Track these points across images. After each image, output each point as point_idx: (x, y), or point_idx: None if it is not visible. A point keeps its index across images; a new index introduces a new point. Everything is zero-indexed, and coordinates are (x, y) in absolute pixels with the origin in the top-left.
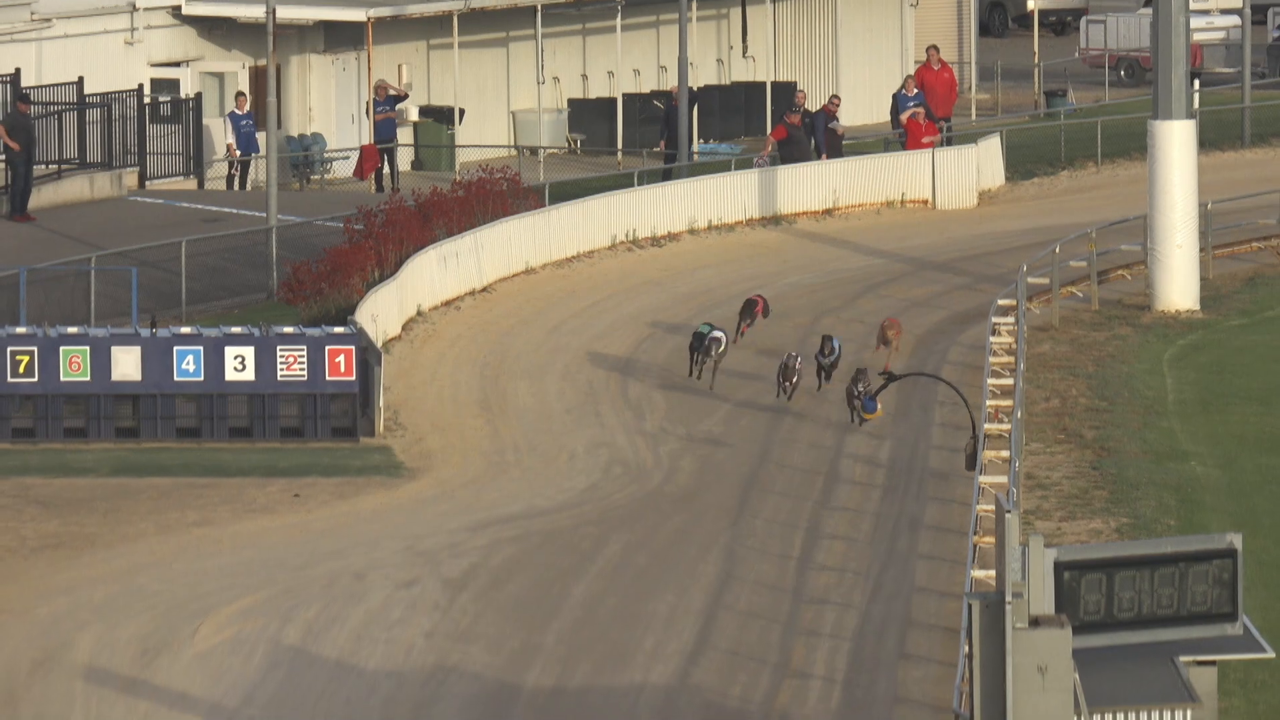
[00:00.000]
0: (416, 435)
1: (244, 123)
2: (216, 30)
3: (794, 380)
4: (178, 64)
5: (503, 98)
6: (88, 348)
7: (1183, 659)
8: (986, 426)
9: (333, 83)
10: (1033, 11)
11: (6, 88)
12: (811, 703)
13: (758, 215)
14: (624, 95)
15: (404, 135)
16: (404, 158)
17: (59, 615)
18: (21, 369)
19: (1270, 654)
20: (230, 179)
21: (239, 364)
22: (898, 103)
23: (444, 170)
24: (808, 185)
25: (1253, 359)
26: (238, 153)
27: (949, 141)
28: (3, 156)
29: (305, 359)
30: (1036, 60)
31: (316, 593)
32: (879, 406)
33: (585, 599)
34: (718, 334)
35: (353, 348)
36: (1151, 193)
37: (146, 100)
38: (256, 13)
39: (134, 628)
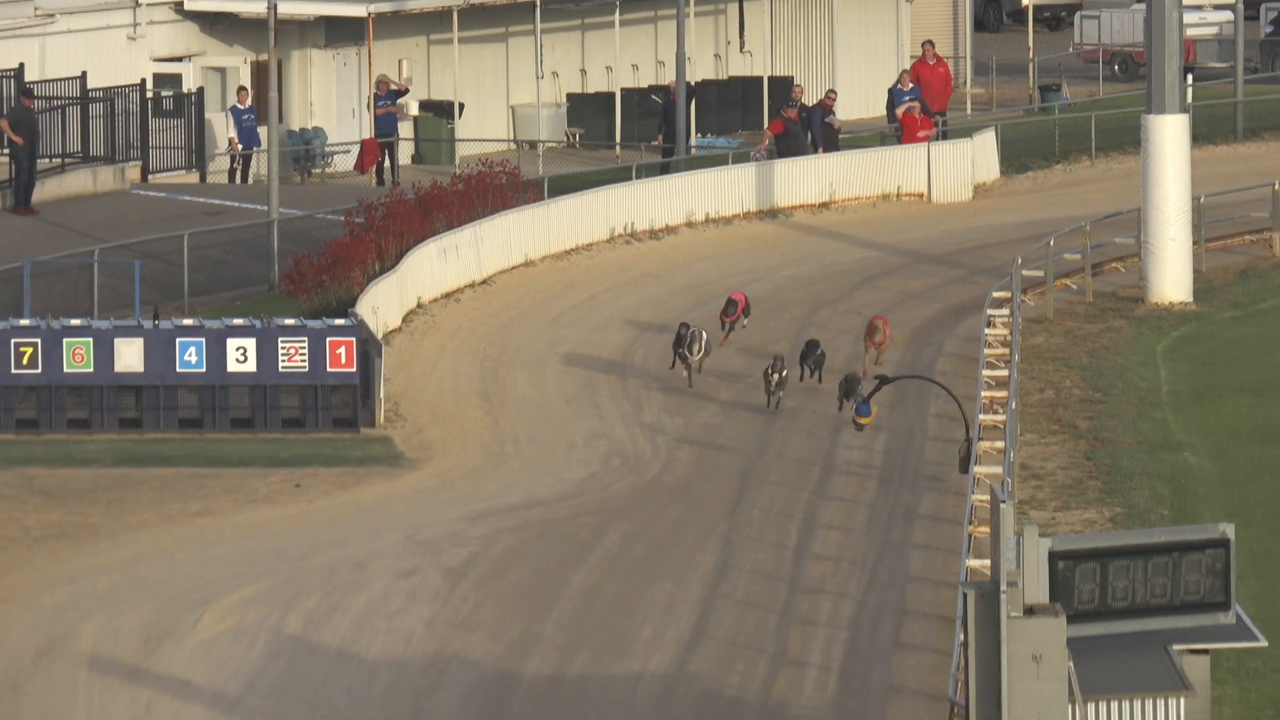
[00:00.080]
0: (417, 426)
1: (246, 117)
2: (218, 25)
3: (783, 374)
4: (180, 59)
5: (502, 92)
6: (91, 339)
7: (1176, 648)
8: (982, 418)
9: (334, 77)
10: (1027, 6)
11: (10, 82)
12: (808, 691)
13: (755, 208)
14: (622, 90)
15: (404, 129)
16: (404, 151)
17: (62, 604)
18: (25, 360)
19: (1263, 643)
20: (232, 173)
21: (241, 355)
22: (893, 97)
23: (444, 164)
24: (804, 179)
25: (1245, 351)
26: (239, 147)
27: (944, 135)
28: (7, 150)
29: (306, 350)
30: (1031, 55)
31: (317, 582)
32: (873, 410)
33: (584, 588)
34: (699, 332)
35: (353, 339)
36: (1145, 186)
37: (149, 95)
38: (258, 8)
39: (137, 617)
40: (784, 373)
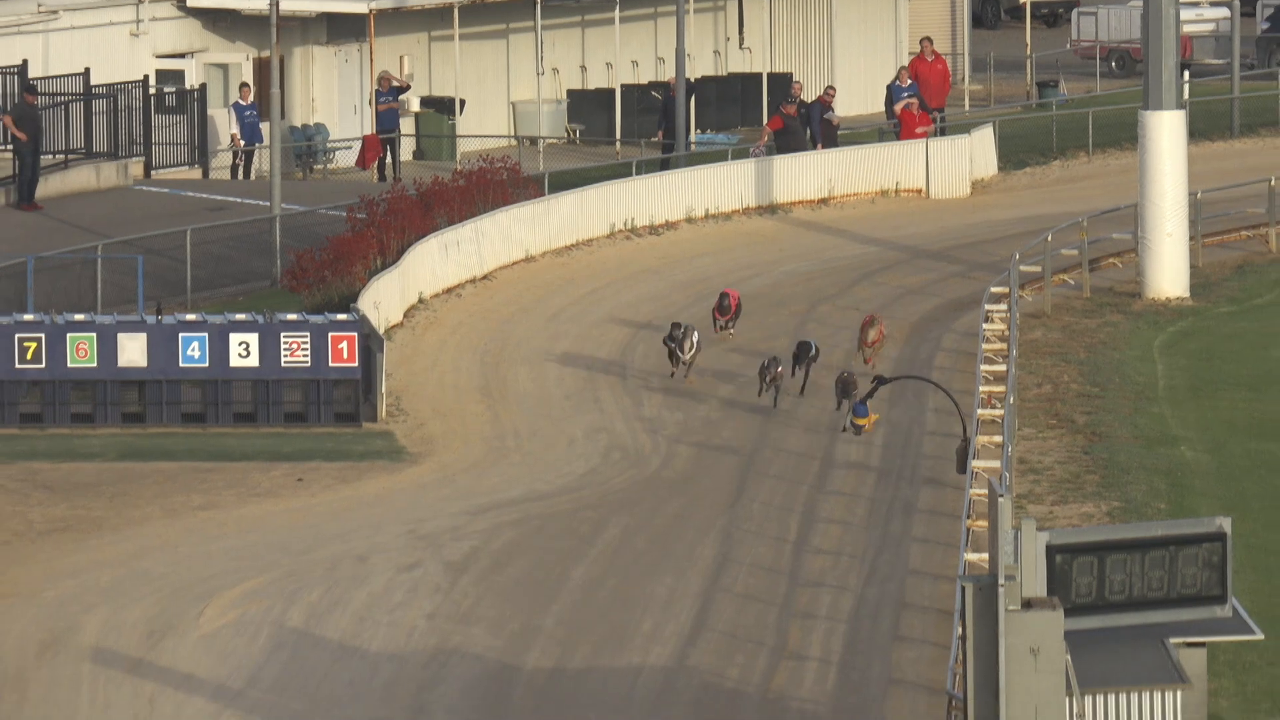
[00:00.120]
0: (418, 420)
1: (248, 113)
2: (221, 22)
3: (777, 372)
4: (183, 55)
5: (503, 88)
6: (94, 334)
7: (1173, 641)
8: (980, 412)
9: (335, 74)
10: (1025, 3)
11: (14, 79)
12: (807, 684)
13: (754, 204)
14: (622, 86)
15: (405, 125)
16: (405, 147)
17: (66, 598)
18: (29, 355)
19: (1259, 636)
20: (234, 168)
21: (243, 350)
22: (892, 93)
23: (445, 160)
24: (804, 175)
25: (1242, 346)
26: (242, 143)
27: (942, 132)
28: (10, 146)
29: (309, 345)
30: (1029, 52)
31: (320, 575)
32: (871, 415)
33: (584, 582)
34: (690, 330)
35: (355, 334)
36: (1142, 182)
37: (152, 91)
38: (260, 5)
39: (140, 610)
40: (779, 370)
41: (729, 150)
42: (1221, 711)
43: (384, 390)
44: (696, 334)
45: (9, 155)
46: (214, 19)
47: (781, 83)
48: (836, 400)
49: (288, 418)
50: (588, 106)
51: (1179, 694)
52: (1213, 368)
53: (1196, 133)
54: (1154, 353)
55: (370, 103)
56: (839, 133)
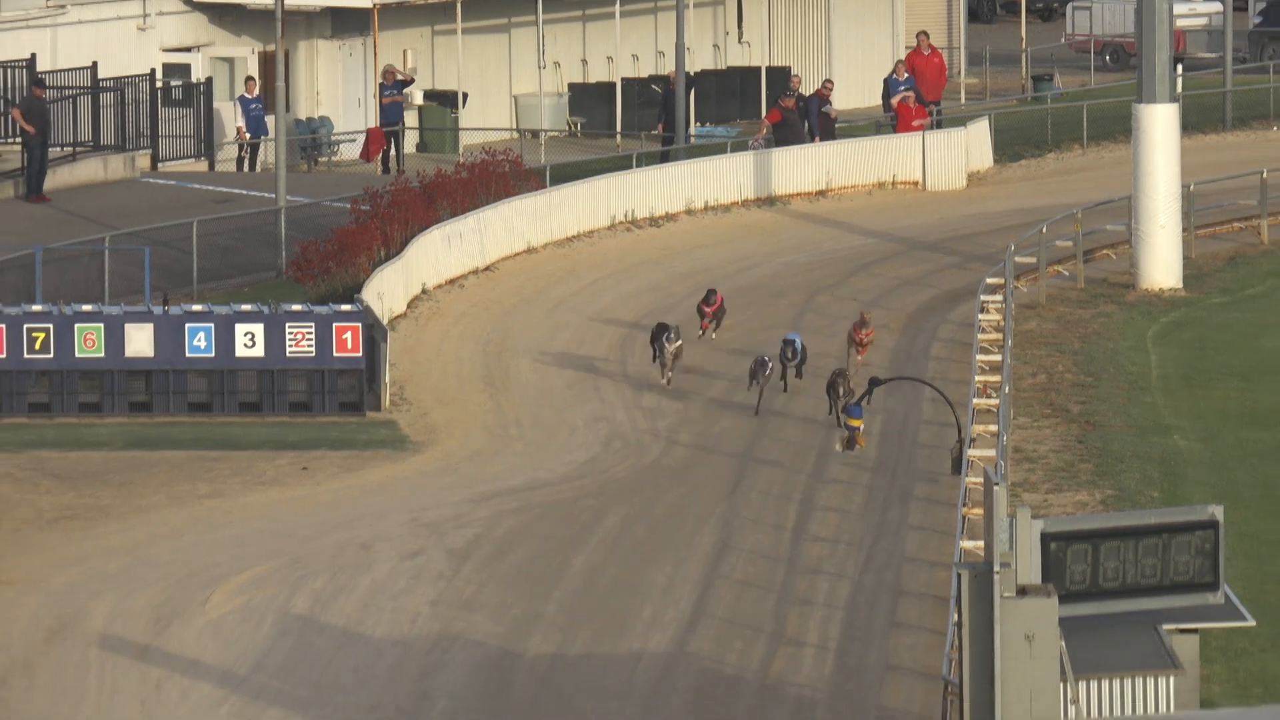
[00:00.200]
0: (421, 410)
1: (253, 106)
2: (227, 16)
3: (767, 375)
4: (189, 49)
5: (505, 82)
6: (102, 325)
7: (1166, 627)
8: (975, 402)
9: (339, 68)
10: None
11: (23, 72)
12: (805, 670)
13: (753, 196)
14: (623, 80)
15: (409, 118)
16: (409, 140)
17: (74, 585)
18: (38, 345)
19: (1251, 622)
20: (240, 161)
21: (249, 340)
22: (889, 87)
23: (448, 152)
24: (802, 167)
25: (1234, 336)
26: (247, 135)
27: (939, 124)
28: (19, 139)
29: (313, 336)
30: (1024, 46)
31: (324, 563)
32: (864, 415)
33: (585, 569)
34: (676, 331)
35: (359, 325)
36: (1136, 174)
37: (159, 85)
38: None
39: (147, 597)
40: (768, 373)
41: (728, 143)
42: (1214, 697)
43: (388, 380)
44: (680, 334)
45: (18, 148)
46: (220, 13)
47: (780, 76)
48: (829, 404)
49: (293, 407)
50: (589, 100)
51: (1172, 680)
52: (1205, 358)
53: (1189, 126)
54: (1147, 343)
55: (375, 96)
56: (836, 125)
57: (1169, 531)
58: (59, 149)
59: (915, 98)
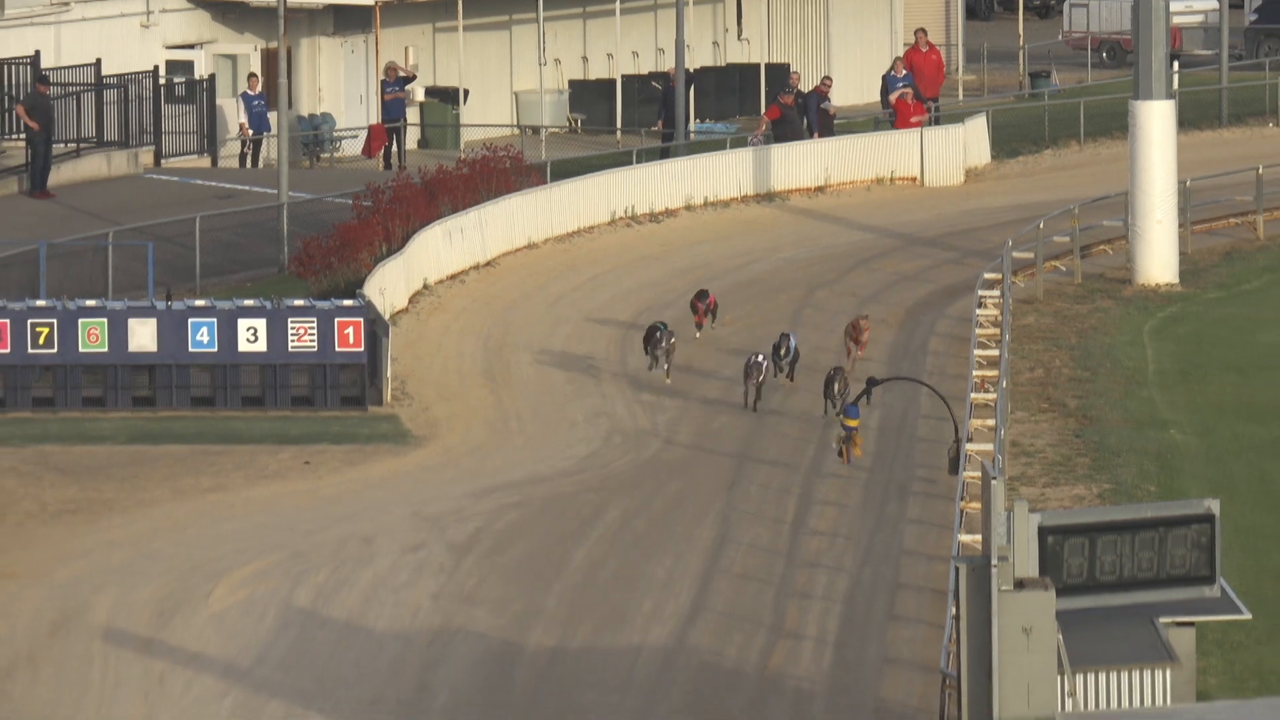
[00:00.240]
0: (423, 404)
1: (256, 103)
2: (229, 14)
3: (759, 379)
4: (192, 46)
5: (506, 79)
6: (105, 320)
7: (1162, 620)
8: (973, 396)
9: (341, 64)
10: None
11: (27, 69)
12: (804, 663)
13: (752, 192)
14: (623, 76)
15: (410, 115)
16: (411, 136)
17: (78, 578)
18: (42, 340)
19: (1247, 616)
20: (243, 157)
21: (251, 335)
22: (887, 84)
23: (449, 149)
24: (801, 163)
25: (1230, 330)
26: (250, 132)
27: (937, 121)
28: (23, 135)
29: (315, 331)
30: (1021, 43)
31: (326, 556)
32: (860, 414)
33: (586, 563)
34: (667, 332)
35: (361, 320)
36: (1132, 170)
37: (162, 81)
38: None
39: (150, 590)
40: (762, 376)
41: (727, 139)
42: (1210, 689)
43: (389, 374)
44: (674, 335)
45: (22, 144)
46: (223, 11)
47: (779, 73)
48: (825, 404)
49: (295, 401)
50: (589, 96)
51: (1168, 672)
52: (1201, 352)
53: (1186, 122)
54: (1144, 338)
55: (379, 92)
56: (835, 122)
57: (1165, 525)
58: (63, 145)
59: (913, 94)
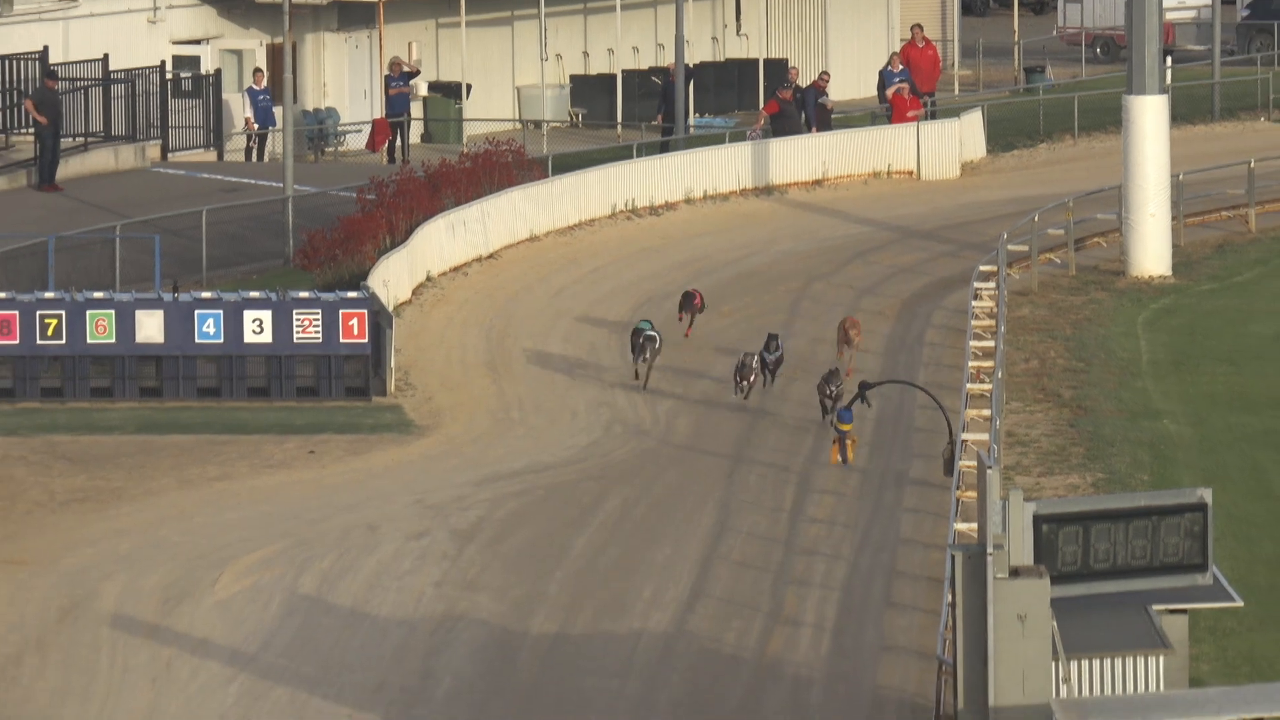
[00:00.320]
0: (426, 394)
1: (261, 97)
2: (235, 9)
3: (751, 379)
4: (198, 42)
5: (508, 74)
6: (113, 311)
7: (1156, 608)
8: (969, 386)
9: (346, 59)
10: None
11: (35, 64)
12: (802, 649)
13: (751, 186)
14: (623, 71)
15: (414, 109)
16: (414, 131)
17: (86, 565)
18: (50, 331)
19: (1239, 603)
20: (248, 151)
21: (257, 327)
22: (884, 78)
23: (452, 143)
24: (799, 157)
25: (1222, 322)
26: (255, 126)
27: (933, 115)
28: (32, 130)
29: (320, 322)
30: (1016, 38)
31: (331, 544)
32: (854, 418)
33: (586, 550)
34: (652, 334)
35: (365, 311)
36: (1126, 164)
37: (168, 76)
38: None
39: (157, 577)
40: (754, 376)
41: (726, 133)
42: (1202, 676)
43: (393, 365)
44: (659, 336)
45: (31, 138)
46: (228, 6)
47: (777, 68)
48: (821, 407)
49: (300, 392)
50: (590, 91)
51: (1161, 659)
52: (1194, 343)
53: (1178, 117)
54: (1137, 329)
55: (384, 87)
56: (833, 116)
57: (1159, 514)
58: (71, 139)
59: (910, 89)
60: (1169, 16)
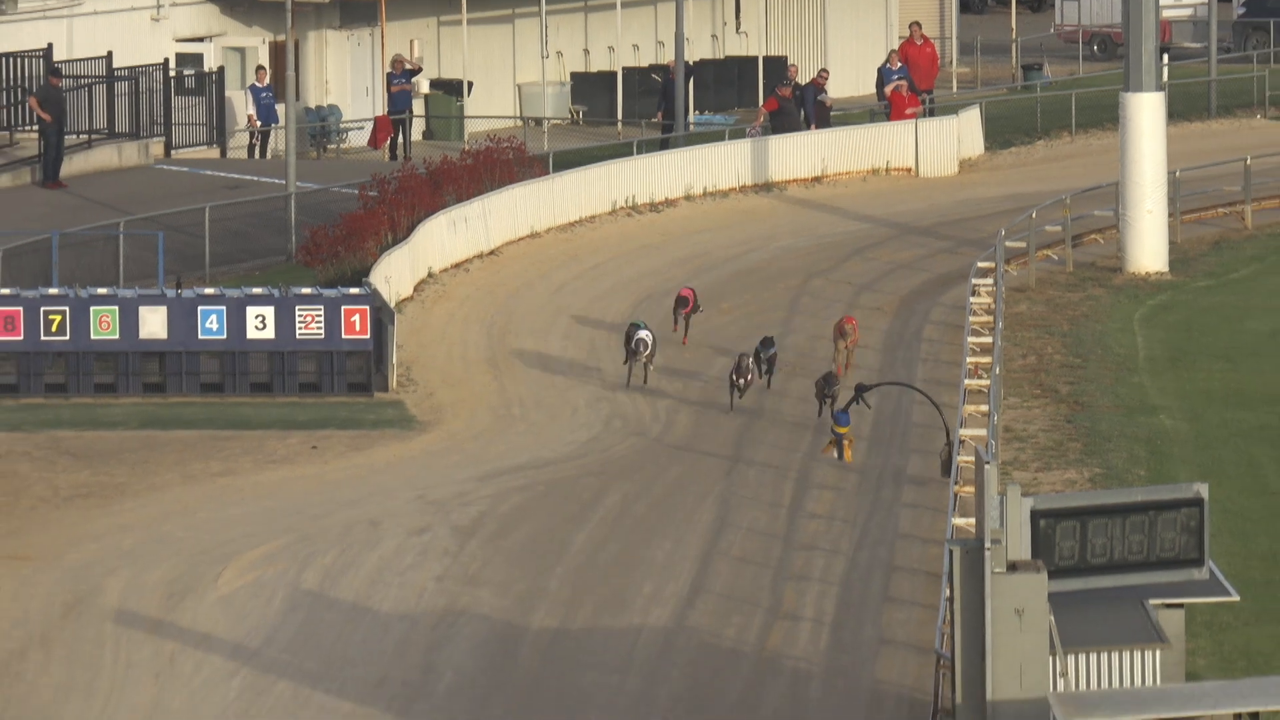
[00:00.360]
0: (427, 390)
1: (264, 95)
2: (238, 7)
3: (747, 379)
4: (201, 39)
5: (509, 71)
6: (117, 307)
7: (1152, 602)
8: (967, 382)
9: (348, 57)
10: None
11: (40, 62)
12: (801, 644)
13: (750, 182)
14: (624, 69)
15: (416, 107)
16: (416, 128)
17: (90, 561)
18: (54, 328)
19: (1235, 597)
20: (251, 148)
21: (260, 323)
22: (882, 76)
23: (453, 140)
24: (798, 154)
25: (1218, 318)
26: (258, 123)
27: (931, 113)
28: (36, 127)
29: (322, 318)
30: (1014, 36)
31: (333, 539)
32: (851, 420)
33: (587, 545)
34: (644, 334)
35: (367, 308)
36: (1123, 161)
37: (172, 74)
38: None
39: (161, 572)
40: (750, 377)
41: (726, 131)
42: (1199, 670)
43: (395, 361)
44: (650, 336)
45: (35, 135)
46: (231, 4)
47: (777, 66)
48: (818, 406)
49: (302, 388)
50: (590, 88)
51: (1158, 653)
52: (1191, 339)
53: (1175, 114)
54: (1134, 325)
55: (386, 85)
56: (831, 114)
57: (1155, 509)
58: (75, 136)
59: (908, 86)
60: (1166, 14)
